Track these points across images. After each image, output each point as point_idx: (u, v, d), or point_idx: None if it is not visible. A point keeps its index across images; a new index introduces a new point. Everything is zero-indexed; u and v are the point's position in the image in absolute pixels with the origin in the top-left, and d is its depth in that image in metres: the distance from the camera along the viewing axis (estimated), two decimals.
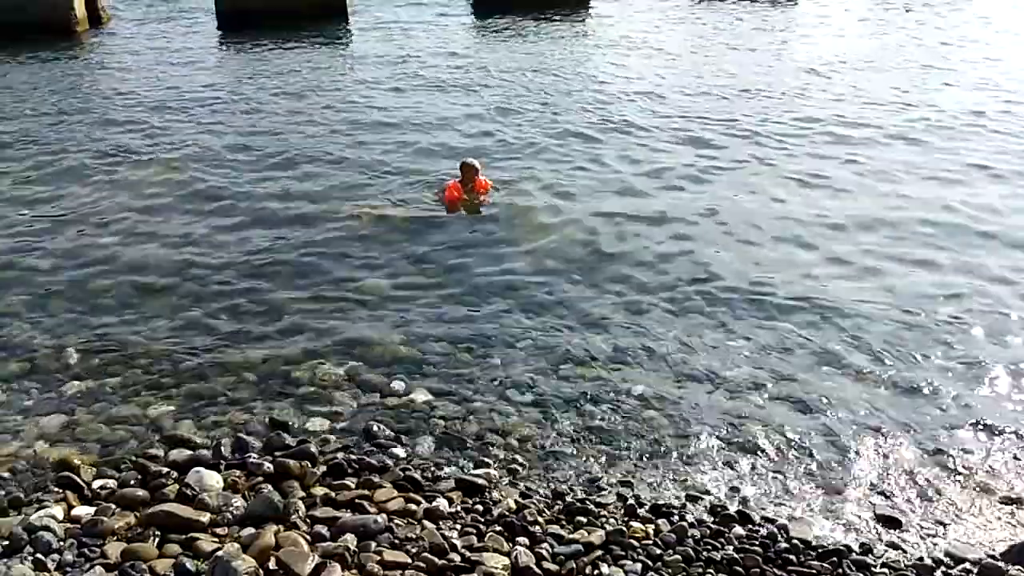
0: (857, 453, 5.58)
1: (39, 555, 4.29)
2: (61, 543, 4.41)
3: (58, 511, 4.70)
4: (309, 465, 5.18)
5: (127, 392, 6.30)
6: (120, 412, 6.02)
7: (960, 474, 5.37)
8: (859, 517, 4.98)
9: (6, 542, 4.39)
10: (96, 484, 5.03)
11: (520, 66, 15.65)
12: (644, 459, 5.51)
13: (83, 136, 12.11)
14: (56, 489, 4.93)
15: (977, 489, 5.23)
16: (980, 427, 5.83)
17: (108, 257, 8.45)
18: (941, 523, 4.92)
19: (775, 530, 4.76)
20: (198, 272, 8.13)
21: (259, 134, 12.17)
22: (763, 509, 5.01)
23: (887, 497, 5.17)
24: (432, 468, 5.28)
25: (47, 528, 4.48)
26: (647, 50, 16.88)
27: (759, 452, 5.58)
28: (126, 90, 14.32)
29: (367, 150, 11.39)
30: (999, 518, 4.98)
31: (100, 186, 10.29)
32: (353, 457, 5.32)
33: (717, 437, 5.73)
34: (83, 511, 4.75)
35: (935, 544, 4.73)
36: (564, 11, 20.08)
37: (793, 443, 5.68)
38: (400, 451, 5.43)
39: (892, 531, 4.83)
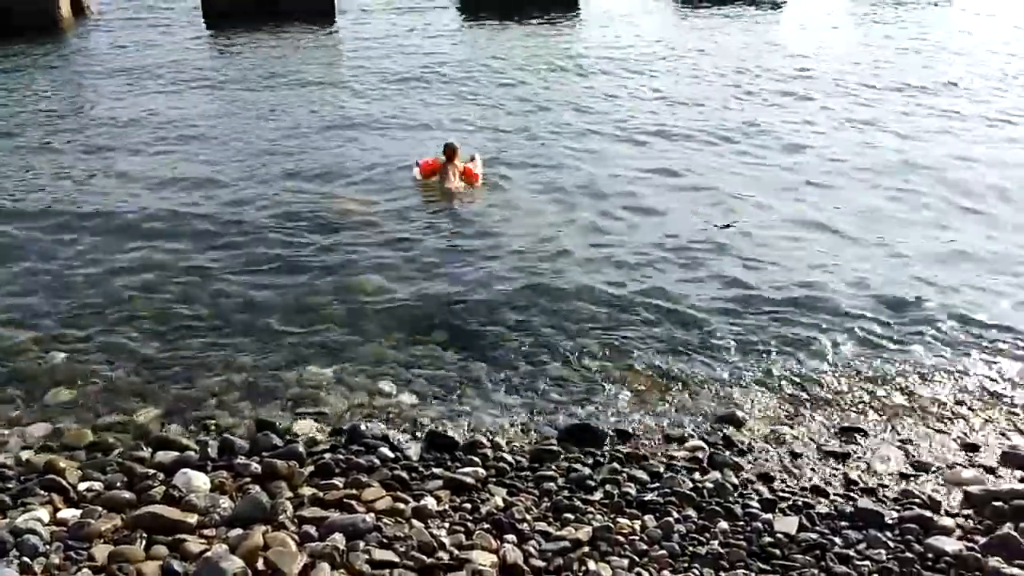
0: (844, 450, 5.64)
1: (25, 558, 4.25)
2: (47, 546, 4.38)
3: (43, 514, 4.66)
4: (297, 465, 5.18)
5: (113, 398, 6.25)
6: (106, 419, 5.97)
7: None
8: (839, 512, 5.02)
9: None
10: (82, 487, 5.00)
11: (507, 65, 15.69)
12: (631, 459, 5.51)
13: (67, 133, 12.05)
14: (41, 492, 4.89)
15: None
16: None
17: (91, 259, 8.41)
18: (923, 516, 4.95)
19: (760, 525, 4.80)
20: (182, 274, 8.10)
21: (243, 131, 12.16)
22: (748, 507, 5.03)
23: (871, 494, 5.21)
24: (420, 467, 5.29)
25: (33, 531, 4.43)
26: (635, 53, 16.93)
27: (748, 450, 5.62)
28: (109, 85, 14.25)
29: (352, 146, 11.45)
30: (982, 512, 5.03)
31: (82, 184, 10.22)
32: (341, 457, 5.32)
33: (703, 438, 5.76)
34: (69, 513, 4.71)
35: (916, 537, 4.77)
36: (552, 13, 20.11)
37: (780, 439, 5.75)
38: (388, 451, 5.43)
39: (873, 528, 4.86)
